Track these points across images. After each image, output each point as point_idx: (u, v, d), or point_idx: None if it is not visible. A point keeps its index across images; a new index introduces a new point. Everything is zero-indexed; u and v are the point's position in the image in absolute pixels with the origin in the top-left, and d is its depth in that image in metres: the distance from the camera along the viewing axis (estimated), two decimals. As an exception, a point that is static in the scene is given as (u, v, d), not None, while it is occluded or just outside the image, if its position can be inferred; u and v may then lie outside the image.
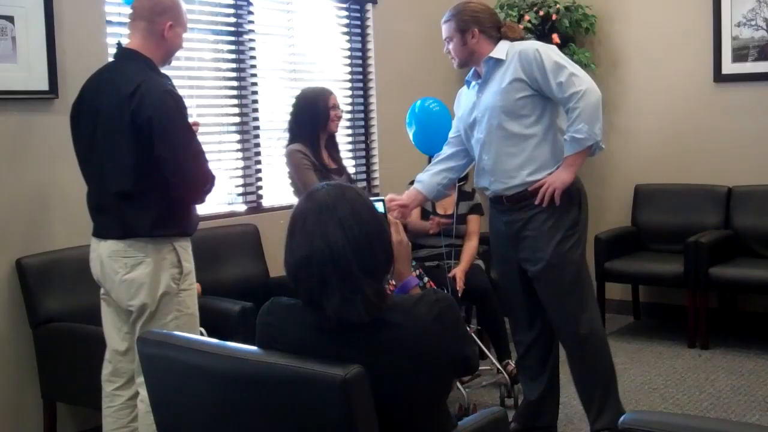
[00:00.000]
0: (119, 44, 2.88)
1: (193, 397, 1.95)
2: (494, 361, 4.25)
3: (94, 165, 2.82)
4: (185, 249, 2.85)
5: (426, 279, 4.06)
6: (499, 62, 3.28)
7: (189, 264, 2.86)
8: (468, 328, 4.05)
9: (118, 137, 2.70)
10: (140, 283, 2.76)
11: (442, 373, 1.88)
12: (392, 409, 1.80)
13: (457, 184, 4.54)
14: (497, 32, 3.34)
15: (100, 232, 2.85)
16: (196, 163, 2.77)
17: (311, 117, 3.82)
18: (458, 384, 3.92)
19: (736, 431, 1.76)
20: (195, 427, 1.98)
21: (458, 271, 4.30)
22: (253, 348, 1.90)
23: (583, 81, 3.16)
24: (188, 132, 2.77)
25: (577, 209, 3.32)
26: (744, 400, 4.00)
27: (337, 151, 3.99)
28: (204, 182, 2.81)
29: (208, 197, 2.92)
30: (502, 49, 3.28)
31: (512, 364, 4.22)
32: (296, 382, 1.74)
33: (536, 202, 3.26)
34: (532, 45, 3.26)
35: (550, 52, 3.21)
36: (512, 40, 3.33)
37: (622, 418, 1.62)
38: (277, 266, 4.22)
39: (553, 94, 3.18)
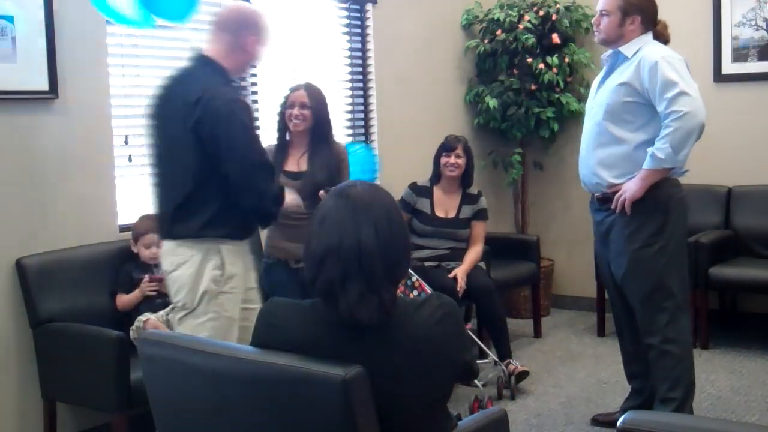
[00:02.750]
0: (196, 49, 2.92)
1: (193, 397, 1.95)
2: (493, 357, 4.26)
3: (160, 170, 2.92)
4: (232, 252, 2.88)
5: (415, 278, 4.05)
6: (625, 58, 3.27)
7: (234, 268, 2.89)
8: (466, 326, 4.08)
9: (180, 144, 2.76)
10: (182, 282, 2.84)
11: (443, 377, 1.88)
12: (392, 411, 1.80)
13: (460, 187, 4.54)
14: (653, 27, 3.31)
15: (160, 233, 2.96)
16: (256, 176, 2.82)
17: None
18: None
19: (736, 431, 1.76)
20: (195, 426, 1.98)
21: (459, 271, 4.29)
22: (253, 348, 1.90)
23: (690, 103, 3.10)
24: (250, 144, 2.81)
25: (662, 216, 3.26)
26: (744, 400, 4.00)
27: (314, 156, 3.63)
28: (264, 198, 2.86)
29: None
30: (633, 47, 3.25)
31: (514, 363, 4.23)
32: (296, 382, 1.74)
33: (612, 207, 3.29)
34: (656, 54, 3.18)
35: (668, 68, 3.14)
36: (658, 40, 3.30)
37: (622, 418, 1.62)
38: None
39: (658, 107, 3.16)
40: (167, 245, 2.88)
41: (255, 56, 2.95)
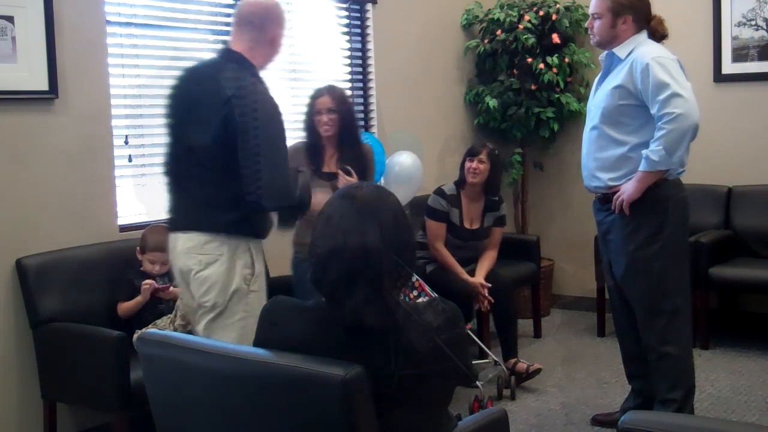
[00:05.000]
0: (224, 44, 2.95)
1: (193, 397, 1.95)
2: (494, 357, 4.25)
3: (178, 156, 2.87)
4: (258, 250, 2.89)
5: (415, 278, 4.06)
6: (619, 60, 3.26)
7: (260, 266, 2.89)
8: (466, 326, 4.08)
9: (209, 140, 2.73)
10: (213, 280, 2.80)
11: (444, 381, 1.88)
12: (392, 413, 1.80)
13: (484, 193, 4.52)
14: (646, 24, 3.30)
15: (177, 225, 2.88)
16: (275, 176, 2.77)
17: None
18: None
19: (736, 431, 1.76)
20: (195, 427, 1.98)
21: (481, 278, 4.32)
22: (253, 348, 1.90)
23: (683, 104, 3.08)
24: (275, 144, 2.78)
25: (661, 216, 3.25)
26: (744, 400, 4.01)
27: (346, 158, 3.72)
28: (280, 198, 2.82)
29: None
30: (627, 48, 3.24)
31: (524, 362, 4.24)
32: (296, 382, 1.74)
33: (612, 208, 3.30)
34: (648, 54, 3.16)
35: (661, 69, 3.12)
36: (655, 36, 3.30)
37: (622, 418, 1.62)
38: (277, 266, 4.22)
39: (651, 110, 3.14)
40: (192, 241, 2.81)
41: (278, 49, 2.97)
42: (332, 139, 3.75)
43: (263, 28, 2.88)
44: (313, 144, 3.79)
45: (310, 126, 3.77)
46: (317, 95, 3.76)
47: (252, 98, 2.74)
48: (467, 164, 4.43)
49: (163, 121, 2.94)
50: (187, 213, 2.84)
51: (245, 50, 2.86)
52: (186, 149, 2.82)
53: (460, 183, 4.50)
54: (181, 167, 2.86)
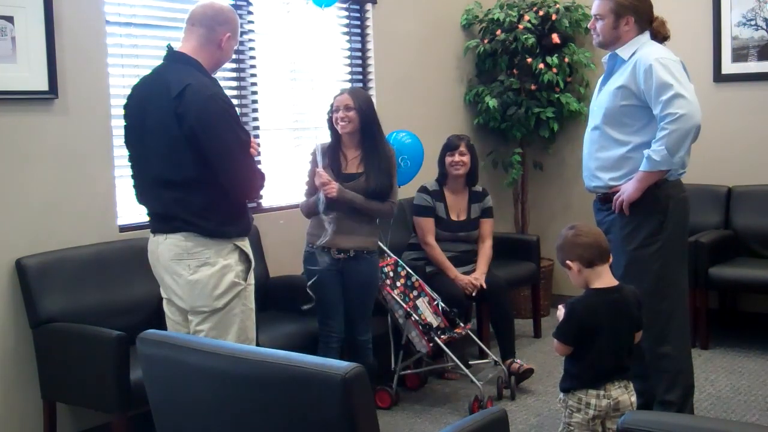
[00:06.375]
0: (170, 47, 2.92)
1: (192, 397, 1.95)
2: (493, 357, 4.26)
3: (144, 164, 2.89)
4: (247, 246, 2.92)
5: (414, 278, 4.08)
6: (622, 61, 3.27)
7: (252, 261, 2.94)
8: (465, 326, 4.09)
9: (173, 140, 2.75)
10: (213, 284, 2.81)
11: None
12: None
13: (467, 185, 4.54)
14: (649, 25, 3.32)
15: (161, 228, 2.88)
16: (242, 166, 2.81)
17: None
18: (473, 378, 3.94)
19: (736, 431, 1.76)
20: (195, 426, 1.98)
21: (479, 275, 4.36)
22: (253, 348, 1.90)
23: (685, 105, 3.09)
24: (233, 136, 2.78)
25: (660, 217, 3.25)
26: (744, 400, 4.01)
27: (367, 158, 3.76)
28: (253, 183, 2.87)
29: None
30: (630, 49, 3.25)
31: (517, 362, 4.24)
32: (296, 381, 1.74)
33: (612, 208, 3.30)
34: (652, 55, 3.18)
35: (664, 70, 3.13)
36: (657, 37, 3.31)
37: (622, 419, 1.62)
38: (277, 266, 4.22)
39: (654, 110, 3.15)
40: (177, 247, 2.82)
41: (228, 53, 2.96)
42: (352, 138, 3.77)
43: (213, 30, 2.88)
44: (333, 145, 3.82)
45: (330, 125, 3.81)
46: (338, 94, 3.81)
47: (196, 99, 2.72)
48: (448, 159, 4.47)
49: (123, 130, 2.98)
50: (169, 217, 2.84)
51: (192, 51, 2.87)
52: (148, 157, 2.85)
53: (442, 178, 4.53)
54: (152, 170, 2.85)
